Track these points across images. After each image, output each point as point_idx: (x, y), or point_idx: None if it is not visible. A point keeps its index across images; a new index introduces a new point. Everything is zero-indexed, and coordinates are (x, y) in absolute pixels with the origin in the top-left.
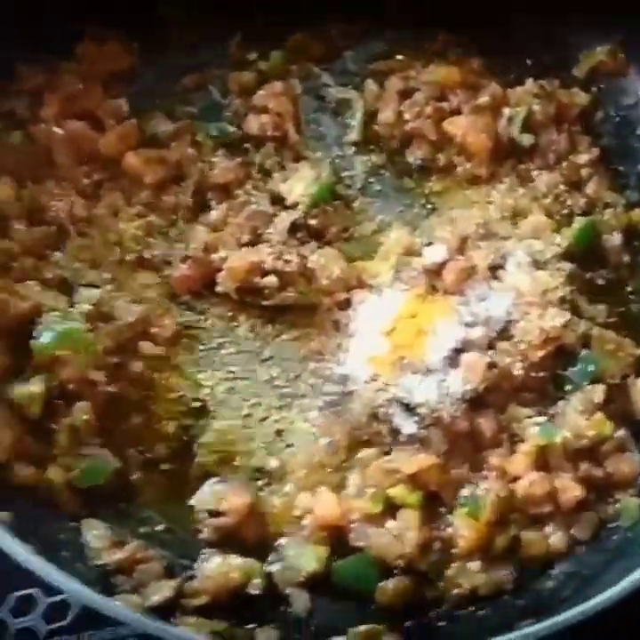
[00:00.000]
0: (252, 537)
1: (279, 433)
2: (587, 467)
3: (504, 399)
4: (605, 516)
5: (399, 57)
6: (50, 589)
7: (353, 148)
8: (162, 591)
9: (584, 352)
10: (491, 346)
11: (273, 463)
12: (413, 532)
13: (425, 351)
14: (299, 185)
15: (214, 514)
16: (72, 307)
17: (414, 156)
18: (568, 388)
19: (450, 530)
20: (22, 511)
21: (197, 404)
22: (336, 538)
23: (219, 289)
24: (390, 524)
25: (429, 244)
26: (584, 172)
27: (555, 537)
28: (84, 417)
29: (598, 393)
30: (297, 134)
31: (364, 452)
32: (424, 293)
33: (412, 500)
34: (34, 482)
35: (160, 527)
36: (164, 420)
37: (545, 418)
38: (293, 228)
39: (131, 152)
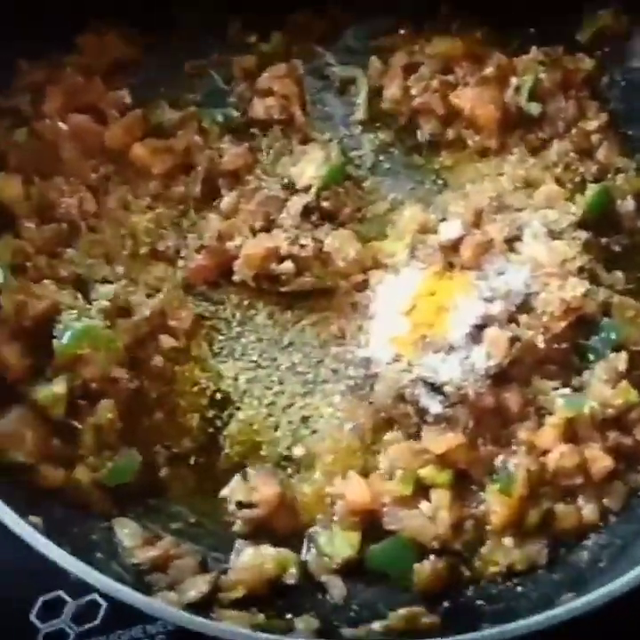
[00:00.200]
0: (284, 527)
1: (304, 420)
2: (615, 436)
3: (528, 372)
4: (636, 484)
5: (401, 31)
6: (76, 590)
7: (360, 127)
8: (198, 586)
9: (605, 320)
10: (512, 319)
11: (299, 451)
12: (445, 512)
13: (446, 329)
14: (308, 167)
15: (245, 505)
16: (89, 304)
17: (422, 131)
18: (591, 357)
19: (482, 507)
20: (52, 514)
21: (220, 396)
22: (368, 522)
23: (235, 278)
24: (422, 505)
25: (443, 219)
26: (594, 138)
27: (587, 508)
28: (109, 415)
29: (622, 361)
30: (303, 116)
31: (391, 434)
32: (441, 270)
33: (442, 480)
34: (62, 483)
35: (191, 521)
36: (188, 413)
37: (570, 389)
38: (306, 212)
39: (137, 143)
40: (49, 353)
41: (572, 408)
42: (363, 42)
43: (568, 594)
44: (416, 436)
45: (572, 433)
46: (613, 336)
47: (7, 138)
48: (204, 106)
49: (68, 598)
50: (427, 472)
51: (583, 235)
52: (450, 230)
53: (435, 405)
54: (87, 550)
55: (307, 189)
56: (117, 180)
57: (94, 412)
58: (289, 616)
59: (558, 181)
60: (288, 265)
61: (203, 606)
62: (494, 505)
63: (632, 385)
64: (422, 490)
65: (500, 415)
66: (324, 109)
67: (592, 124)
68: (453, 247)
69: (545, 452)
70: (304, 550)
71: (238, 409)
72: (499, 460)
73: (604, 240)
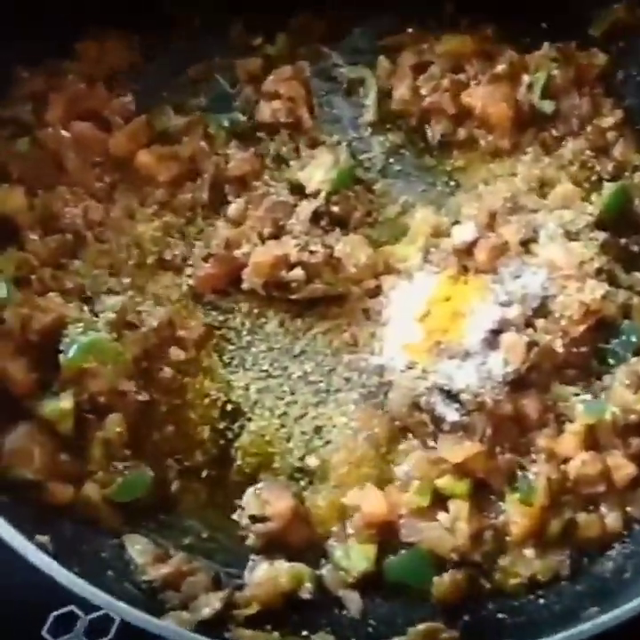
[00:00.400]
0: (299, 540)
1: (317, 430)
2: (638, 442)
3: (547, 378)
4: None
5: (409, 30)
6: (89, 605)
7: (369, 129)
8: (211, 604)
9: (625, 323)
10: (529, 324)
11: (313, 462)
12: (464, 523)
13: (462, 334)
14: (317, 172)
15: (258, 519)
16: (96, 316)
17: (433, 132)
18: (612, 361)
19: (502, 517)
20: (62, 532)
21: (231, 407)
22: (385, 534)
23: (244, 286)
24: (440, 516)
25: (456, 222)
26: (610, 135)
27: (610, 517)
28: (117, 429)
29: None
30: (311, 119)
31: (407, 444)
32: (456, 274)
33: (460, 490)
34: (71, 500)
35: (204, 536)
36: (198, 425)
37: (590, 395)
38: (316, 217)
39: (142, 150)
40: (55, 367)
41: (593, 414)
42: (370, 41)
43: (593, 607)
44: (432, 445)
45: (593, 440)
46: (634, 339)
47: (8, 148)
48: (209, 110)
49: (80, 613)
50: (444, 482)
51: (601, 235)
52: (463, 233)
53: (451, 413)
54: (98, 569)
55: (316, 194)
56: (123, 188)
57: (103, 427)
58: (305, 633)
59: (574, 181)
60: (298, 272)
61: (217, 624)
62: (514, 515)
63: None
64: (440, 500)
65: (518, 422)
66: (332, 112)
67: (607, 121)
68: (467, 250)
69: (566, 460)
70: (320, 564)
71: (250, 420)
72: (518, 470)
73: (622, 240)
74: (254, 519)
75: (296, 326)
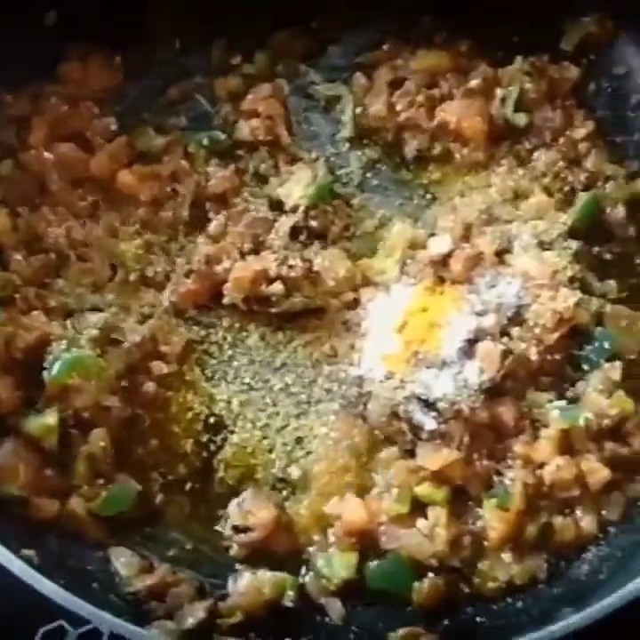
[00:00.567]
0: (282, 549)
1: (299, 440)
2: (612, 446)
3: (522, 385)
4: (634, 494)
5: (385, 47)
6: (77, 620)
7: (347, 145)
8: (195, 613)
9: (598, 330)
10: (504, 333)
11: (295, 472)
12: (443, 529)
13: (439, 344)
14: (296, 188)
15: (241, 529)
16: (79, 333)
17: (410, 146)
18: (586, 367)
19: (480, 523)
20: (47, 546)
21: (214, 420)
22: (365, 542)
23: (225, 301)
24: (419, 523)
25: (433, 234)
26: (582, 146)
27: (585, 520)
28: (102, 444)
29: (616, 370)
30: (289, 136)
31: (387, 452)
32: (432, 285)
33: (438, 497)
34: (56, 515)
35: (188, 548)
36: (181, 439)
37: (565, 401)
38: (294, 232)
39: (123, 170)
40: (40, 384)
41: (567, 420)
42: (347, 58)
43: (568, 608)
44: (411, 453)
45: (567, 445)
46: (607, 345)
47: None
48: (189, 130)
49: (69, 628)
50: (423, 489)
51: (574, 244)
52: (439, 245)
53: (429, 422)
54: (83, 582)
55: (295, 209)
56: (105, 207)
57: (87, 442)
58: None
59: (547, 191)
60: (278, 286)
61: (201, 633)
62: (492, 520)
63: (627, 394)
64: (419, 507)
65: (494, 429)
66: (310, 128)
67: (580, 133)
68: (443, 262)
69: (541, 465)
70: (302, 573)
71: (232, 432)
72: (495, 476)
73: (595, 249)
74: (237, 529)
75: (277, 339)
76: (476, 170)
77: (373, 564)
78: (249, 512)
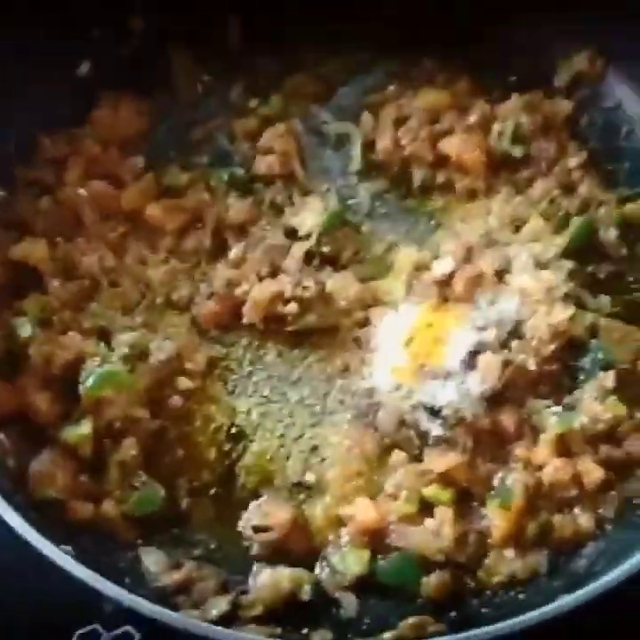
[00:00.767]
0: (299, 548)
1: (314, 449)
2: (606, 449)
3: (522, 394)
4: (629, 493)
5: (390, 88)
6: (111, 623)
7: (356, 177)
8: (219, 606)
9: (593, 342)
10: (504, 345)
11: (311, 477)
12: (449, 528)
13: (443, 357)
14: (309, 217)
15: (261, 529)
16: (111, 351)
17: (415, 177)
18: (581, 377)
19: (484, 522)
20: (83, 545)
21: (235, 430)
22: (377, 540)
23: (245, 321)
24: (427, 522)
25: (437, 257)
26: (575, 174)
27: (583, 518)
28: (132, 452)
29: (610, 379)
30: (302, 170)
31: (396, 457)
32: (437, 304)
33: (445, 498)
34: (91, 517)
35: (212, 547)
36: (205, 448)
37: (562, 407)
38: (308, 257)
39: (151, 204)
40: (76, 398)
41: (563, 424)
42: (355, 99)
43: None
44: (419, 458)
45: (565, 448)
46: (601, 356)
47: (33, 206)
48: (211, 166)
49: (103, 631)
50: (430, 491)
51: (568, 264)
52: (443, 266)
53: (435, 428)
54: (116, 577)
55: (308, 236)
56: (134, 237)
57: (119, 450)
58: (305, 630)
59: (543, 216)
60: (293, 306)
61: (225, 623)
62: (495, 519)
63: (620, 400)
64: (426, 508)
65: (497, 435)
66: (322, 163)
67: (573, 162)
68: (447, 282)
69: (540, 467)
70: (318, 569)
71: (252, 441)
72: (497, 477)
73: (589, 268)
74: (257, 529)
75: (293, 356)
76: (477, 198)
77: (384, 560)
78: (268, 513)
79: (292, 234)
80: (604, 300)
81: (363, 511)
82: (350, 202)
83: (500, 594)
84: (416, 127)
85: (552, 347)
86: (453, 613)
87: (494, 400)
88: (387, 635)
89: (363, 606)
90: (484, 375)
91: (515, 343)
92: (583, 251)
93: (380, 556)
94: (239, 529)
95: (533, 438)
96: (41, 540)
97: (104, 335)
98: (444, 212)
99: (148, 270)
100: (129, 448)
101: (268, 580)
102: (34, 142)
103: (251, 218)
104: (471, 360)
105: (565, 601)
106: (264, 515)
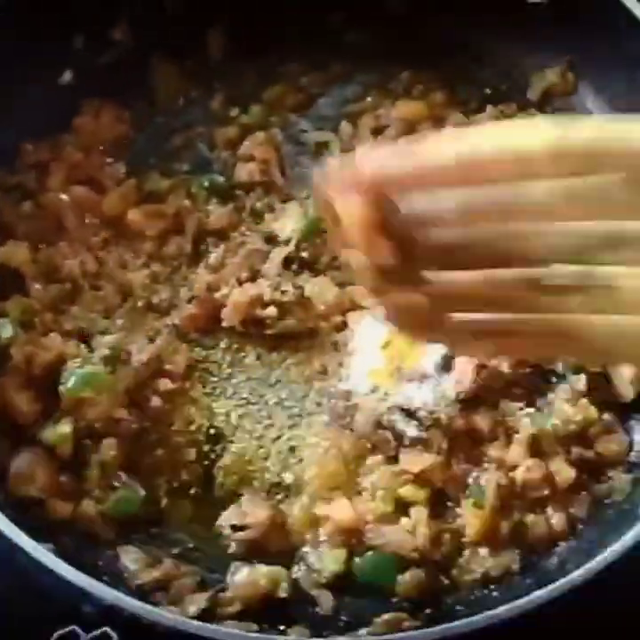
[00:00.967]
0: (276, 547)
1: (292, 449)
2: (578, 450)
3: (496, 396)
4: (600, 493)
5: (369, 98)
6: (89, 624)
7: None
8: (197, 603)
9: None
10: None
11: (288, 478)
12: (424, 527)
13: (419, 360)
14: (289, 223)
15: (239, 528)
16: (92, 353)
17: None
18: (554, 380)
19: (458, 521)
20: (62, 543)
21: (214, 431)
22: (353, 539)
23: (224, 323)
24: (403, 521)
25: None
26: None
27: (555, 518)
28: (112, 453)
29: (581, 382)
30: (282, 177)
31: (372, 458)
32: None
33: (420, 498)
34: (70, 516)
35: (190, 546)
36: (185, 448)
37: (534, 409)
38: (287, 262)
39: (132, 209)
40: (56, 398)
41: (535, 425)
42: (334, 109)
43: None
44: (395, 459)
45: (537, 448)
46: (573, 360)
47: (15, 210)
48: (191, 173)
49: (81, 632)
50: (406, 491)
51: None
52: None
53: (410, 430)
54: (95, 575)
55: (287, 242)
56: (115, 242)
57: (99, 450)
58: (282, 627)
59: None
60: (272, 310)
61: (203, 621)
62: (469, 518)
63: (591, 403)
64: (402, 507)
65: (471, 436)
66: (302, 170)
67: None
68: None
69: (514, 468)
70: (295, 567)
71: (231, 442)
72: (472, 477)
73: None
74: (235, 528)
75: (272, 358)
76: None
77: (361, 558)
78: (246, 513)
79: (271, 239)
80: None
81: (340, 511)
82: None
83: (475, 591)
84: (393, 137)
85: None
86: (428, 610)
87: (469, 402)
88: (362, 631)
89: (339, 604)
90: (459, 378)
91: None
92: None
93: (356, 555)
94: (217, 528)
95: (507, 439)
96: (22, 536)
97: (85, 337)
98: None
99: (129, 274)
100: (109, 448)
101: (245, 577)
102: (16, 148)
103: (231, 224)
104: (446, 363)
105: (536, 595)
106: (242, 514)
